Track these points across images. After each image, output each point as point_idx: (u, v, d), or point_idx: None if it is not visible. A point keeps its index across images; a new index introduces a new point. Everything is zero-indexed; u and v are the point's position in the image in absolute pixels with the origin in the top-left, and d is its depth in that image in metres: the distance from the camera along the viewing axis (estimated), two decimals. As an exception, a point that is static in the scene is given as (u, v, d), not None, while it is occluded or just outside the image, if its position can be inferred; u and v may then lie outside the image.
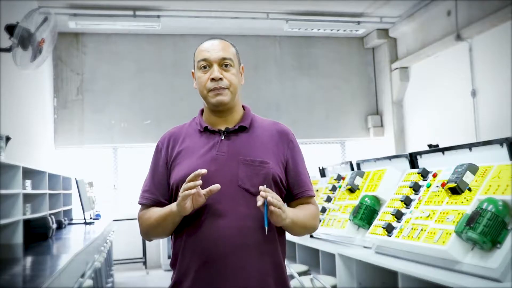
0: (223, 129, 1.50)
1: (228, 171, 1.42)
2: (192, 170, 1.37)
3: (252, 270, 1.39)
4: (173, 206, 1.38)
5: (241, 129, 1.51)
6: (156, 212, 1.45)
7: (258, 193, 1.37)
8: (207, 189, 1.34)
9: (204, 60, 1.48)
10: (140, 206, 1.54)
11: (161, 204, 1.48)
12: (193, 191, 1.31)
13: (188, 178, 1.32)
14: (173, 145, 1.52)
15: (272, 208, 1.31)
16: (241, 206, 1.40)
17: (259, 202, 1.32)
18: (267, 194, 1.31)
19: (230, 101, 1.49)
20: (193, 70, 1.57)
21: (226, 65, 1.48)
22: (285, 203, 1.53)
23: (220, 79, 1.46)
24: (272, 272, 1.43)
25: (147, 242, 6.91)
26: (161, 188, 1.50)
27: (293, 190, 1.52)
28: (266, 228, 1.34)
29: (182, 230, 1.44)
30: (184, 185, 1.33)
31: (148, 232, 1.50)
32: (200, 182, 1.32)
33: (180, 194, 1.32)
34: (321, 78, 8.02)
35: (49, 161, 6.44)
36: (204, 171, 1.33)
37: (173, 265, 1.48)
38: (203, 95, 1.50)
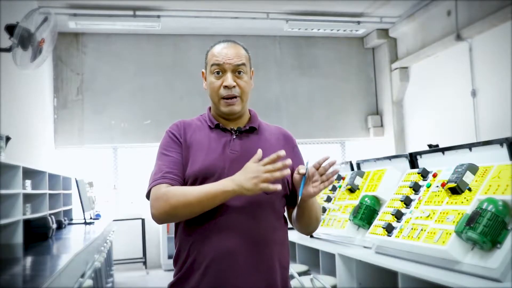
0: (235, 128, 1.51)
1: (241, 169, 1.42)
2: (207, 165, 1.42)
3: (261, 268, 1.40)
4: (226, 185, 1.32)
5: (250, 130, 1.53)
6: (195, 188, 1.37)
7: (270, 192, 1.40)
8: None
9: (218, 65, 1.48)
10: (153, 187, 1.44)
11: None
12: (275, 174, 1.29)
13: (270, 159, 1.30)
14: (185, 133, 1.51)
15: (327, 184, 1.40)
16: (253, 204, 1.42)
17: (302, 170, 1.39)
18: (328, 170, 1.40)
19: (241, 110, 1.50)
20: (203, 70, 1.56)
21: (239, 72, 1.48)
22: (286, 206, 1.56)
23: (234, 86, 1.46)
24: (279, 272, 1.44)
25: (147, 242, 6.92)
26: (181, 170, 1.46)
27: (295, 192, 1.53)
28: (300, 197, 1.41)
29: (191, 225, 1.43)
30: (271, 166, 1.29)
31: (178, 208, 1.36)
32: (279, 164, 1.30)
33: (262, 174, 1.28)
34: (321, 78, 8.02)
35: (49, 161, 6.43)
36: (282, 152, 1.31)
37: (177, 260, 1.47)
38: (214, 101, 1.51)
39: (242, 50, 1.52)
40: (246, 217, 1.41)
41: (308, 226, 1.54)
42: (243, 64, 1.49)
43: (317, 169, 1.41)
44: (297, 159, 1.58)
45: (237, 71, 1.48)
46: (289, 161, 1.31)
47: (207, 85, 1.53)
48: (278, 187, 1.28)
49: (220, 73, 1.48)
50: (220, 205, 1.38)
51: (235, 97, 1.47)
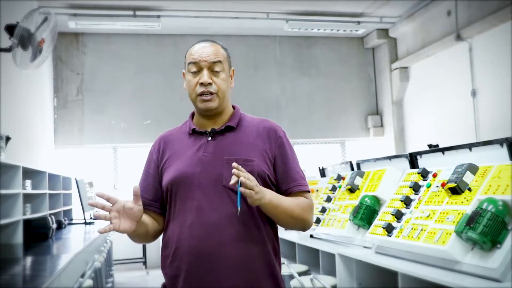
0: (209, 130, 1.52)
1: (213, 171, 1.43)
2: (178, 173, 1.45)
3: (240, 268, 1.39)
4: None
5: (228, 129, 1.52)
6: None
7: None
8: (134, 195, 1.37)
9: (194, 63, 1.48)
10: None
11: (150, 207, 1.52)
12: (107, 221, 1.35)
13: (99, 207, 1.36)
14: (164, 148, 1.56)
15: (242, 189, 1.30)
16: (227, 205, 1.41)
17: (232, 180, 1.31)
18: (240, 173, 1.30)
19: (218, 106, 1.50)
20: (184, 71, 1.57)
21: (216, 70, 1.49)
22: None
23: (210, 83, 1.47)
24: (262, 270, 1.43)
25: (147, 242, 6.92)
26: (151, 191, 1.53)
27: (281, 187, 1.50)
28: (239, 208, 1.35)
29: (170, 232, 1.46)
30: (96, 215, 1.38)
31: (132, 238, 1.51)
32: (108, 204, 1.36)
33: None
34: (321, 78, 8.03)
35: (49, 161, 6.43)
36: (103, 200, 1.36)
37: (162, 267, 1.50)
38: (191, 99, 1.52)
39: (220, 49, 1.52)
40: (221, 219, 1.40)
41: (287, 227, 1.51)
42: (220, 61, 1.49)
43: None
44: (282, 151, 1.52)
45: (213, 68, 1.48)
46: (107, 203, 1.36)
47: (186, 84, 1.54)
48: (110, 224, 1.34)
49: (197, 71, 1.49)
50: (195, 210, 1.41)
51: (211, 93, 1.47)
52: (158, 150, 1.57)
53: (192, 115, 1.60)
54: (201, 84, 1.47)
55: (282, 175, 1.50)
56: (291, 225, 1.49)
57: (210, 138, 1.50)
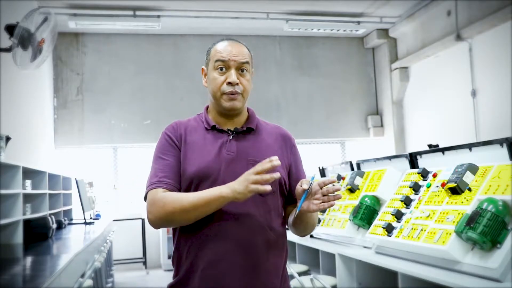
0: (232, 128, 1.50)
1: (237, 171, 1.41)
2: (202, 168, 1.41)
3: (258, 270, 1.40)
4: (223, 191, 1.31)
5: (248, 130, 1.52)
6: (190, 195, 1.36)
7: (266, 193, 1.40)
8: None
9: (223, 61, 1.47)
10: (149, 192, 1.43)
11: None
12: (265, 177, 1.27)
13: (261, 164, 1.28)
14: (180, 134, 1.50)
15: (326, 205, 1.35)
16: (250, 206, 1.41)
17: (305, 185, 1.34)
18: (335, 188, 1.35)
19: (241, 107, 1.50)
20: (203, 67, 1.55)
21: (242, 70, 1.48)
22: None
23: (237, 84, 1.46)
24: (277, 273, 1.45)
25: (147, 242, 6.92)
26: (178, 175, 1.45)
27: (295, 194, 1.52)
28: (298, 211, 1.38)
29: (188, 230, 1.43)
30: (259, 168, 1.27)
31: (174, 214, 1.35)
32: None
33: (255, 178, 1.27)
34: (321, 78, 8.03)
35: (49, 161, 6.43)
36: (275, 157, 1.29)
37: (174, 261, 1.47)
38: (215, 97, 1.49)
39: (246, 49, 1.52)
40: (242, 222, 1.40)
41: (303, 232, 1.54)
42: (247, 62, 1.49)
43: (321, 188, 1.36)
44: (296, 159, 1.57)
45: (240, 68, 1.47)
46: (278, 162, 1.28)
47: (208, 81, 1.51)
48: (268, 188, 1.27)
49: (224, 69, 1.47)
50: (216, 211, 1.38)
51: (237, 93, 1.46)
52: (176, 136, 1.49)
53: (206, 109, 1.56)
54: (229, 83, 1.45)
55: (296, 183, 1.49)
56: (307, 231, 1.55)
57: (231, 137, 1.49)
